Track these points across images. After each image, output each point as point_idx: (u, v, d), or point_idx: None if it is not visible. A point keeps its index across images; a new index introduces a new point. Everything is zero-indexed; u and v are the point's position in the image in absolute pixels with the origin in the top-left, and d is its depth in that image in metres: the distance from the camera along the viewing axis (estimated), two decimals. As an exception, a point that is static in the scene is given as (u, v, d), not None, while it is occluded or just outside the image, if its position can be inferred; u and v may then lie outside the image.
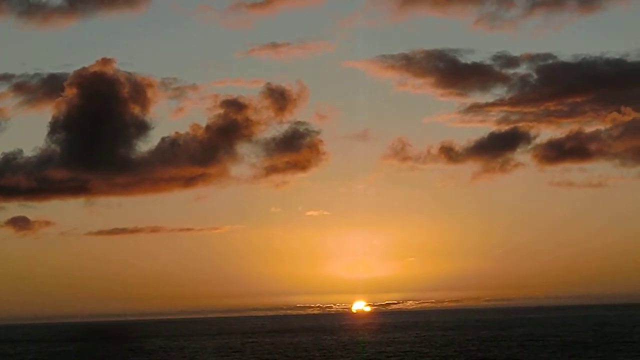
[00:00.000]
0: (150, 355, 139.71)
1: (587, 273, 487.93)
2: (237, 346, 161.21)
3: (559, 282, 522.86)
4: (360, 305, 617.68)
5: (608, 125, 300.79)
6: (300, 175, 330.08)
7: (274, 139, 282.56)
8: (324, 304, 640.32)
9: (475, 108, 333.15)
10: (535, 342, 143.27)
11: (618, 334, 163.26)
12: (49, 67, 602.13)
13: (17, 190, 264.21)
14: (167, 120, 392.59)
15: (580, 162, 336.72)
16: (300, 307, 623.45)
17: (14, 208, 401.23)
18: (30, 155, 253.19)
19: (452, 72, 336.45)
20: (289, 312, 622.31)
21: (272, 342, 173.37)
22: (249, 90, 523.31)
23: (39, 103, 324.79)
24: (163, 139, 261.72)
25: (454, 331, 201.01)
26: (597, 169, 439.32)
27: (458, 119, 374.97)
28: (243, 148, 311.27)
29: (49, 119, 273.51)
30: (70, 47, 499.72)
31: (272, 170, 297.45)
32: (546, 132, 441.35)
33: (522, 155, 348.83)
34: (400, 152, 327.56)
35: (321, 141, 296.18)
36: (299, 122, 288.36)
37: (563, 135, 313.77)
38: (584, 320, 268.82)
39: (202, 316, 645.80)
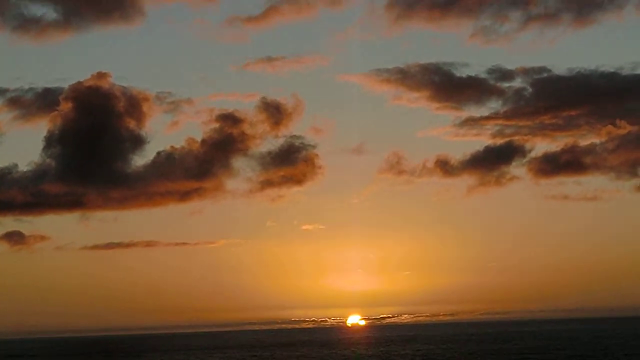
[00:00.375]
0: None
1: (582, 286, 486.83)
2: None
3: (554, 295, 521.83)
4: (355, 319, 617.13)
5: (603, 139, 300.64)
6: (296, 189, 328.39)
7: (269, 152, 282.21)
8: (318, 318, 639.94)
9: (470, 122, 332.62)
10: (537, 356, 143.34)
11: (619, 346, 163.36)
12: (43, 82, 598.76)
13: (12, 204, 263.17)
14: (163, 134, 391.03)
15: (575, 176, 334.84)
16: (295, 320, 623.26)
17: (9, 223, 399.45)
18: (25, 170, 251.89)
19: (447, 85, 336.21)
20: (284, 326, 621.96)
21: (272, 356, 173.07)
22: (245, 104, 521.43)
23: (33, 117, 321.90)
24: (158, 153, 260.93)
25: (452, 344, 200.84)
26: (592, 182, 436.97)
27: (453, 132, 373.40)
28: (238, 162, 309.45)
29: (44, 133, 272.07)
30: (65, 62, 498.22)
31: (267, 184, 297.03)
32: (541, 146, 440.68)
33: (517, 169, 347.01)
34: (396, 166, 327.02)
35: (317, 155, 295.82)
36: (294, 136, 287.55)
37: (558, 149, 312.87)
38: (581, 333, 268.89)
39: (197, 330, 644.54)
